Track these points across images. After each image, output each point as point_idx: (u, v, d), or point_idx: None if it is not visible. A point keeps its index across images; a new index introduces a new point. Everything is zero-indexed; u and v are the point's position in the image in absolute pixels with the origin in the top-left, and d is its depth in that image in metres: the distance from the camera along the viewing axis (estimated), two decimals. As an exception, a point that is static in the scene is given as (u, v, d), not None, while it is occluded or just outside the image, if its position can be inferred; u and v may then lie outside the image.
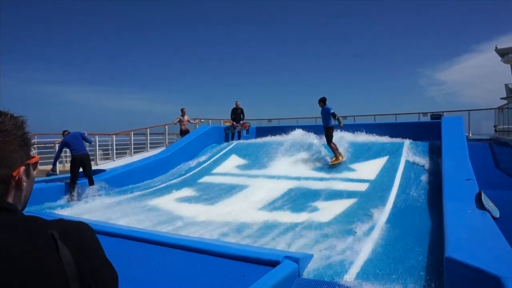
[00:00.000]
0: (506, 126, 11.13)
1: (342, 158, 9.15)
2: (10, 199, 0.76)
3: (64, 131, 8.46)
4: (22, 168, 0.78)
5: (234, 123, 13.61)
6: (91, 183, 8.05)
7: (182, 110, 13.56)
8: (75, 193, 7.72)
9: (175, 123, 13.55)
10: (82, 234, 0.76)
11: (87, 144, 8.54)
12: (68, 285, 0.68)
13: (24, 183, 0.79)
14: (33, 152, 10.83)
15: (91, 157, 11.76)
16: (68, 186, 7.90)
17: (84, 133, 8.31)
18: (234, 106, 13.74)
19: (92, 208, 6.99)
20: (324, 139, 9.66)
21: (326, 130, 9.34)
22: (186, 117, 13.56)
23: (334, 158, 9.17)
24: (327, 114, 9.31)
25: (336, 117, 9.20)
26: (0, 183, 0.75)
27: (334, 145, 9.23)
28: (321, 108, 9.51)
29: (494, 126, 12.53)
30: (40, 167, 10.00)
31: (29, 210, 4.06)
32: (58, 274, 0.67)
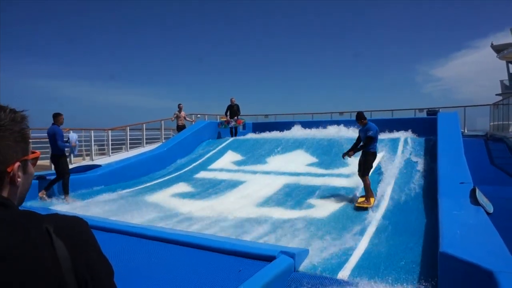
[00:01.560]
0: (501, 123, 11.20)
1: (373, 201, 6.30)
2: (5, 195, 0.75)
3: (54, 115, 7.03)
4: (17, 164, 0.76)
5: (229, 118, 13.62)
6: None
7: (179, 105, 13.53)
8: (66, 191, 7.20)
9: (173, 120, 13.53)
10: (77, 229, 0.75)
11: (73, 140, 7.58)
12: (64, 281, 0.67)
13: (19, 179, 0.77)
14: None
15: (87, 153, 11.73)
16: (43, 182, 7.29)
17: (62, 134, 7.07)
18: (230, 103, 13.73)
19: (88, 203, 6.97)
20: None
21: (364, 156, 6.55)
22: (183, 113, 13.54)
23: (363, 198, 6.34)
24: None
25: (370, 143, 6.42)
26: None
27: (369, 180, 6.46)
28: (360, 127, 6.82)
29: (487, 133, 12.60)
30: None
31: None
32: (55, 270, 0.67)
